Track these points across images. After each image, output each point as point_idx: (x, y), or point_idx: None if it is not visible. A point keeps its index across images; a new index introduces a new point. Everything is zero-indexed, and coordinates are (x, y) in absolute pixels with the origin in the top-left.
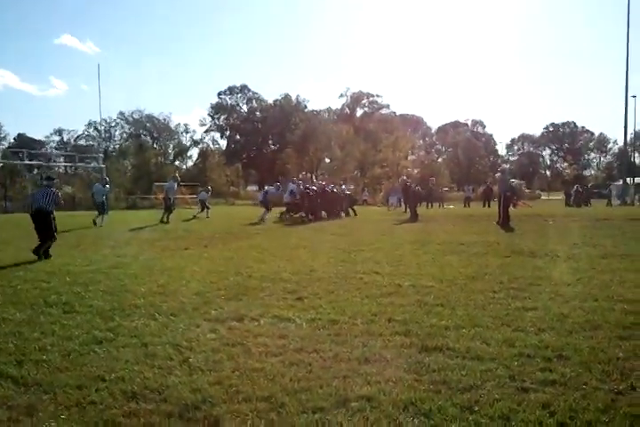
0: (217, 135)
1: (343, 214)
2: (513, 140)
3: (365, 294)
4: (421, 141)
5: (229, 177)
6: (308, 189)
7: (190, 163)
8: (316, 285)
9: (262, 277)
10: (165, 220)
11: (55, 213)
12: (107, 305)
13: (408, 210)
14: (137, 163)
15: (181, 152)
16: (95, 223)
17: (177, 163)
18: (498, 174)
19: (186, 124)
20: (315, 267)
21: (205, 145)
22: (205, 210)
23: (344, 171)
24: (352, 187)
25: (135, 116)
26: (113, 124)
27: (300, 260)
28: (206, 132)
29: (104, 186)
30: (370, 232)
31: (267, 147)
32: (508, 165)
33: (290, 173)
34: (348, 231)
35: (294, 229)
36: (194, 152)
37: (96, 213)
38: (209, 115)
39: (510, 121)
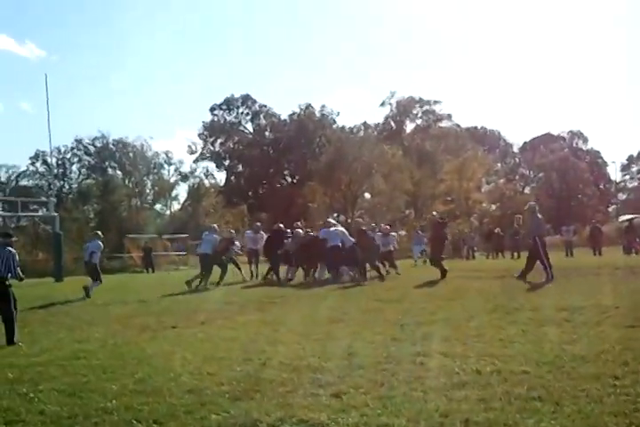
0: (212, 166)
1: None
2: (631, 159)
3: (429, 386)
4: (499, 165)
5: (231, 224)
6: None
7: (177, 206)
8: (359, 374)
9: (282, 366)
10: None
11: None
12: (64, 411)
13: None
14: (102, 208)
15: (164, 191)
16: (88, 295)
17: (158, 206)
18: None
19: (167, 153)
20: (355, 349)
21: (197, 180)
22: (92, 281)
23: (391, 210)
24: (395, 234)
25: (98, 143)
26: (68, 156)
27: (333, 339)
28: (197, 161)
29: (101, 240)
30: (430, 296)
31: (281, 179)
32: (534, 203)
33: (314, 216)
34: (398, 296)
35: (322, 295)
36: (181, 190)
37: (90, 281)
38: (200, 137)
39: (625, 131)
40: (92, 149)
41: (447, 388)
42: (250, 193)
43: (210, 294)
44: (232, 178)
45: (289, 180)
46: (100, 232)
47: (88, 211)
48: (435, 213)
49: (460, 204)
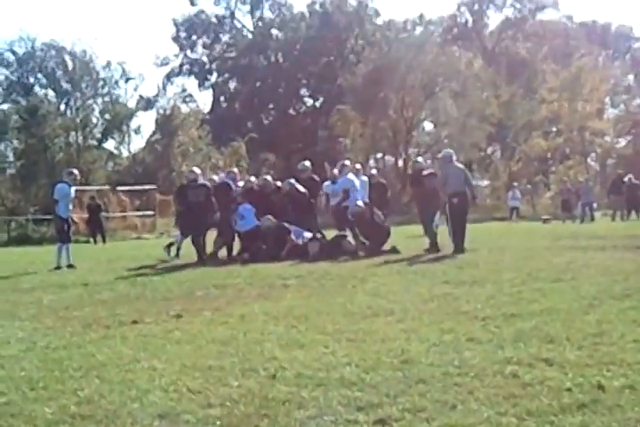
0: (191, 83)
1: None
2: None
3: (527, 410)
4: (631, 78)
5: (220, 169)
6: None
7: (139, 143)
8: (418, 391)
9: (300, 379)
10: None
11: None
12: None
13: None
14: (26, 147)
15: (120, 121)
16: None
17: (111, 144)
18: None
19: (122, 65)
20: (412, 354)
21: (169, 104)
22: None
23: (465, 146)
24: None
25: (19, 49)
26: None
27: (379, 340)
28: (169, 77)
29: (70, 184)
30: (527, 276)
31: (297, 102)
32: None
33: (347, 156)
34: (478, 276)
35: (361, 274)
36: (146, 120)
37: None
38: (174, 41)
39: None
40: (9, 57)
41: (554, 412)
42: (249, 123)
43: (191, 273)
44: (222, 100)
45: (309, 103)
46: (74, 170)
47: (4, 151)
48: (420, 159)
49: (571, 137)
